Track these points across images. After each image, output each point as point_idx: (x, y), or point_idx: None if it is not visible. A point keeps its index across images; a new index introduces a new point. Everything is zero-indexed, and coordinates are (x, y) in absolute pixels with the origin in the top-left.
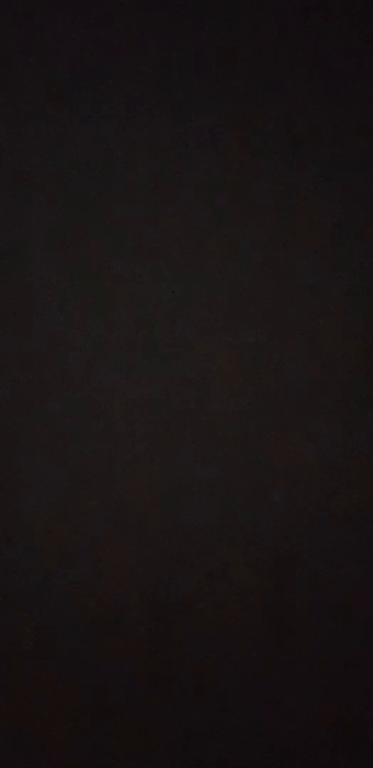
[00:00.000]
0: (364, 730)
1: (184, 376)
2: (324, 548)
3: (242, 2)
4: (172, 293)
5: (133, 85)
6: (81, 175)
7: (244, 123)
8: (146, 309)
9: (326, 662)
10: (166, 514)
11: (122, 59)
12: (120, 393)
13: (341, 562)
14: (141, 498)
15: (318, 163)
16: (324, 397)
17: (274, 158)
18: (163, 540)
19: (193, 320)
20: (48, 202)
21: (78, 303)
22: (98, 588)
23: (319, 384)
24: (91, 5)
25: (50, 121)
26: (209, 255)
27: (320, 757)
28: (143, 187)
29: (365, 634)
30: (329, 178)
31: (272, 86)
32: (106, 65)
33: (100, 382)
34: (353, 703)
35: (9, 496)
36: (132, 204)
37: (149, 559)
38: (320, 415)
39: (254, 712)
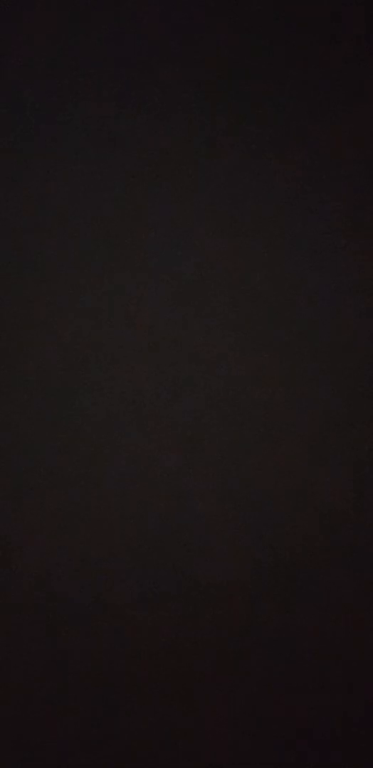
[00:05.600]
0: (364, 730)
1: (186, 380)
2: (324, 549)
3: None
4: (176, 300)
5: (133, 90)
6: (83, 187)
7: (246, 126)
8: (149, 317)
9: (327, 663)
10: (166, 516)
11: (122, 63)
12: (122, 396)
13: (342, 563)
14: (141, 500)
15: (320, 166)
16: (325, 400)
17: (277, 160)
18: (163, 542)
19: (196, 326)
20: (50, 215)
21: (81, 313)
22: (99, 589)
23: (320, 386)
24: (90, 8)
25: (50, 132)
26: (212, 260)
27: (320, 756)
28: (143, 193)
29: (365, 634)
30: (334, 181)
31: (273, 91)
32: (105, 67)
33: (101, 385)
34: (354, 701)
35: (9, 498)
36: (133, 212)
37: (149, 560)
38: (321, 420)
39: (255, 709)
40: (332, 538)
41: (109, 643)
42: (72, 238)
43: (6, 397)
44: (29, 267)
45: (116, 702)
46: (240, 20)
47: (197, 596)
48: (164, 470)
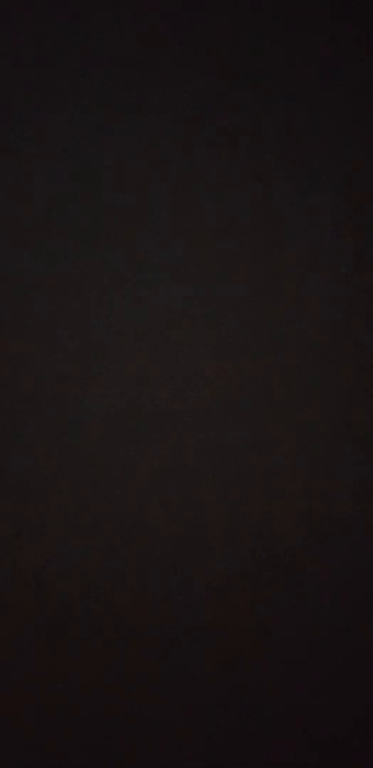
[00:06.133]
0: (365, 730)
1: (186, 380)
2: (323, 549)
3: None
4: (172, 306)
5: (134, 93)
6: (79, 192)
7: (246, 126)
8: (150, 317)
9: (327, 662)
10: (166, 516)
11: (122, 65)
12: (122, 396)
13: (341, 563)
14: (142, 500)
15: (319, 169)
16: (326, 400)
17: (277, 159)
18: (163, 542)
19: (197, 326)
20: (46, 217)
21: (78, 318)
22: (99, 589)
23: (321, 385)
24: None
25: (50, 131)
26: (212, 260)
27: (320, 756)
28: (143, 193)
29: (363, 633)
30: (330, 186)
31: (272, 97)
32: (105, 72)
33: (100, 389)
34: (355, 700)
35: (9, 498)
36: (132, 212)
37: (150, 560)
38: (320, 423)
39: (253, 709)
40: (333, 538)
41: (109, 643)
42: (72, 238)
43: (5, 396)
44: (29, 267)
45: (116, 701)
46: (240, 20)
47: (197, 596)
48: (164, 470)
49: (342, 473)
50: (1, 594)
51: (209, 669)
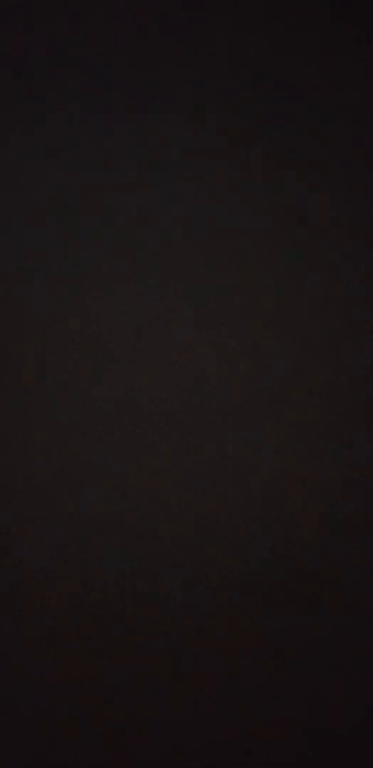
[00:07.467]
0: (365, 730)
1: (186, 383)
2: (323, 548)
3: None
4: (169, 300)
5: (133, 96)
6: (80, 194)
7: (246, 126)
8: (151, 318)
9: (328, 662)
10: (166, 516)
11: (122, 64)
12: (119, 401)
13: (340, 561)
14: (142, 500)
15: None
16: (324, 401)
17: (277, 159)
18: (163, 542)
19: (193, 329)
20: (45, 225)
21: (78, 318)
22: (100, 587)
23: (320, 387)
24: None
25: (50, 131)
26: (212, 260)
27: (320, 756)
28: (143, 194)
29: (363, 631)
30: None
31: (273, 99)
32: (104, 67)
33: (100, 389)
34: (356, 700)
35: (9, 499)
36: (132, 213)
37: (150, 560)
38: (318, 423)
39: (252, 709)
40: (333, 537)
41: (109, 643)
42: (72, 238)
43: (6, 397)
44: (29, 268)
45: (117, 701)
46: (240, 20)
47: (198, 596)
48: (164, 470)
49: (343, 472)
50: (1, 594)
51: (212, 671)
